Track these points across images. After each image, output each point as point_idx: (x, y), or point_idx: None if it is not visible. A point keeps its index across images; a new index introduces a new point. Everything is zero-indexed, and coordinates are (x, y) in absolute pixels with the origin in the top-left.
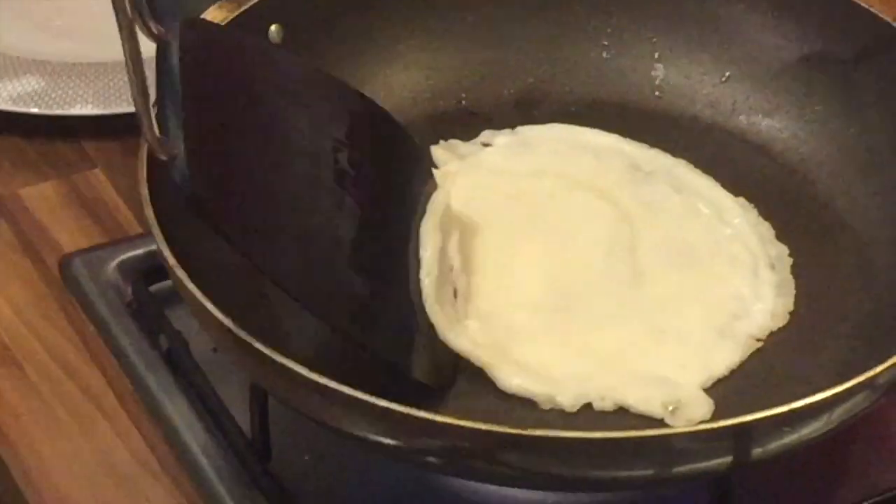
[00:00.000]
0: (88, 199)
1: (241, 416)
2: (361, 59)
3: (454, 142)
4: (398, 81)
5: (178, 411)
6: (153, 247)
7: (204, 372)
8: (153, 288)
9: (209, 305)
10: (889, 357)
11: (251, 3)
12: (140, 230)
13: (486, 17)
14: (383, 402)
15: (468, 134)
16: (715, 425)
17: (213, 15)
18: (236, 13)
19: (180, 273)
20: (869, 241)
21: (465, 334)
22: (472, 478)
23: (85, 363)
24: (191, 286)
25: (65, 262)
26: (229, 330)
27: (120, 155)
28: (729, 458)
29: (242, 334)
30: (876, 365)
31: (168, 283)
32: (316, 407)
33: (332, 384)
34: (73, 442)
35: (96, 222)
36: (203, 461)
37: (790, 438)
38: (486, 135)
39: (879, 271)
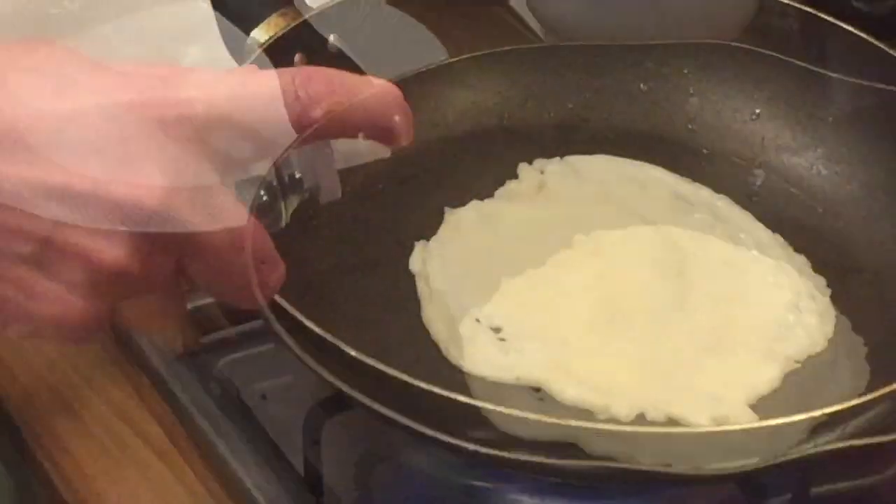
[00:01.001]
0: None
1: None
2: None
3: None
4: (443, 96)
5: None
6: None
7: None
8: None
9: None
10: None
11: None
12: None
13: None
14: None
15: (511, 153)
16: (749, 426)
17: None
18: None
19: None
20: (886, 277)
21: (520, 358)
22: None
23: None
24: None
25: None
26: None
27: None
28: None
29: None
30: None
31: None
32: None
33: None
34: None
35: None
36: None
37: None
38: (538, 162)
39: (892, 304)
